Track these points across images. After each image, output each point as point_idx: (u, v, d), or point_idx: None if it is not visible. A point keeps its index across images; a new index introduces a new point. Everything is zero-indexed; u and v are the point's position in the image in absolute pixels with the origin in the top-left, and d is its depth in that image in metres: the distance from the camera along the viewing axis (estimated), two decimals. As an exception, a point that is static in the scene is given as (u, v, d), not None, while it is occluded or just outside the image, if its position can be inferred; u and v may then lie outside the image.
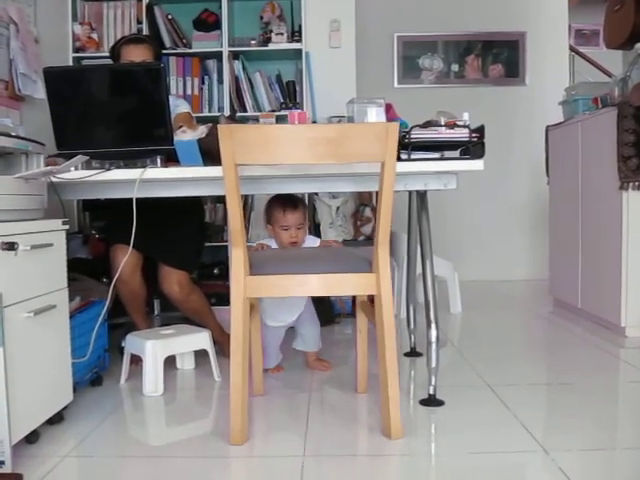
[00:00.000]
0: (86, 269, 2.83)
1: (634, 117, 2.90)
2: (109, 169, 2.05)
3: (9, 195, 1.73)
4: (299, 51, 3.85)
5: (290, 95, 3.91)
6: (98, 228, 3.46)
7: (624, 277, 2.99)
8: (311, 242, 2.46)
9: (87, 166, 2.08)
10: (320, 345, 2.61)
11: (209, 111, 3.86)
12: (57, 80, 2.16)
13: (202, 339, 2.50)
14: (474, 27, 5.04)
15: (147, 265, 2.67)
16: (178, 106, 2.77)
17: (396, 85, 5.10)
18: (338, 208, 3.71)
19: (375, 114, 2.12)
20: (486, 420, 1.99)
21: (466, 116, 2.12)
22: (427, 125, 2.10)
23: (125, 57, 2.63)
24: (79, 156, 1.96)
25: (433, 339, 2.11)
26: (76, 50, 3.76)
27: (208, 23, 3.87)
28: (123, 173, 2.05)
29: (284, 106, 3.86)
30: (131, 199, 2.05)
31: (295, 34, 3.88)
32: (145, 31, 3.78)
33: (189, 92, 3.87)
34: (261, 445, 1.85)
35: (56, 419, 1.95)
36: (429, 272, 2.16)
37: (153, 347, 2.34)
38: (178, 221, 2.69)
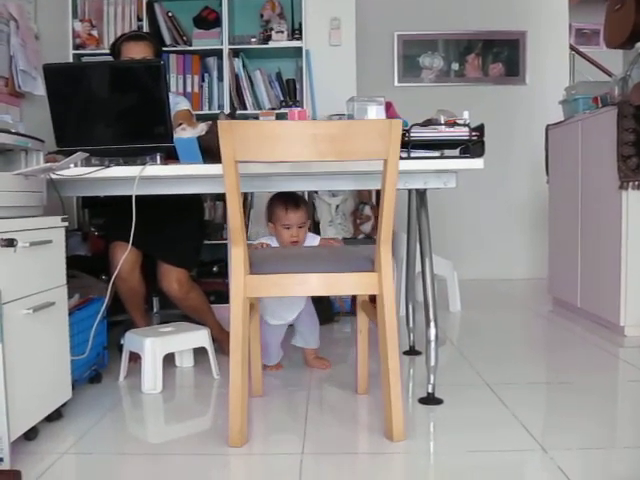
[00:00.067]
0: (85, 266, 2.83)
1: (634, 116, 2.89)
2: (109, 166, 2.05)
3: (8, 192, 1.73)
4: (299, 49, 3.85)
5: (290, 93, 3.90)
6: (97, 225, 3.46)
7: (623, 276, 2.99)
8: (311, 240, 2.45)
9: (87, 163, 2.07)
10: (319, 342, 2.61)
11: (209, 109, 3.86)
12: (57, 77, 2.16)
13: (201, 337, 2.50)
14: (474, 26, 5.04)
15: (146, 262, 2.67)
16: (178, 103, 2.77)
17: (396, 84, 5.10)
18: (338, 206, 3.71)
19: (375, 112, 2.12)
20: (485, 419, 2.00)
21: (466, 115, 2.11)
22: (427, 123, 2.10)
23: (125, 54, 2.63)
24: (79, 153, 1.96)
25: (432, 338, 2.11)
26: (76, 47, 3.76)
27: (208, 21, 3.87)
28: (123, 170, 2.04)
29: (284, 104, 3.85)
30: (130, 196, 2.05)
31: (295, 32, 3.88)
32: (145, 28, 3.78)
33: (189, 90, 3.86)
34: (260, 443, 1.85)
35: (55, 416, 1.95)
36: (428, 271, 2.15)
37: (152, 344, 2.34)
38: (177, 219, 2.69)
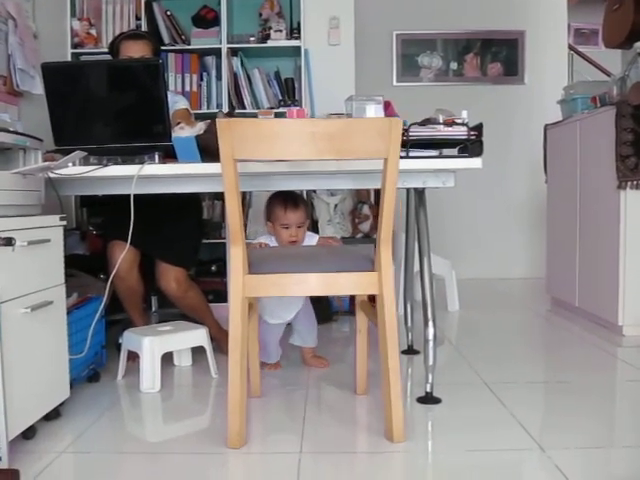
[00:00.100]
0: (83, 265, 2.82)
1: (632, 116, 2.90)
2: (107, 165, 2.04)
3: (6, 190, 1.73)
4: (298, 48, 3.85)
5: (289, 92, 3.90)
6: (96, 224, 3.46)
7: (621, 276, 2.99)
8: (309, 239, 2.44)
9: (85, 162, 2.07)
10: (316, 341, 2.61)
11: (207, 108, 3.85)
12: (55, 76, 2.16)
13: (199, 336, 2.50)
14: (473, 25, 5.04)
15: (145, 261, 2.67)
16: (176, 102, 2.76)
17: (395, 83, 5.10)
18: (336, 205, 3.71)
19: (374, 111, 2.12)
20: (483, 418, 2.00)
21: (465, 114, 2.11)
22: (426, 123, 2.10)
23: (124, 53, 2.63)
24: (77, 152, 1.96)
25: (430, 337, 2.11)
26: (74, 46, 3.75)
27: (207, 20, 3.87)
28: (121, 169, 2.04)
29: (283, 103, 3.85)
30: (129, 195, 2.04)
31: (294, 31, 3.87)
32: (144, 27, 3.77)
33: (187, 89, 3.86)
34: (258, 442, 1.84)
35: (53, 415, 1.95)
36: (427, 270, 2.15)
37: (150, 344, 2.34)
38: (176, 218, 2.69)
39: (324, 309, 3.37)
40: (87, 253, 3.36)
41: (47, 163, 1.93)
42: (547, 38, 5.05)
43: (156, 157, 2.10)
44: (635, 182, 2.91)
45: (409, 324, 2.80)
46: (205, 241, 3.26)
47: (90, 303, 2.35)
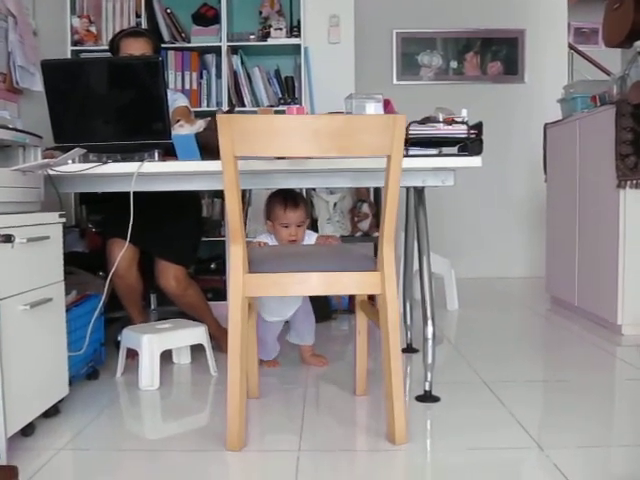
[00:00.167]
0: (83, 263, 2.82)
1: (632, 115, 2.90)
2: (106, 162, 2.04)
3: (6, 187, 1.73)
4: (298, 46, 3.84)
5: (289, 90, 3.90)
6: (95, 222, 3.46)
7: (621, 275, 2.99)
8: (307, 237, 2.43)
9: (84, 159, 2.07)
10: (314, 339, 2.60)
11: (207, 106, 3.85)
12: (55, 73, 2.16)
13: (199, 334, 2.49)
14: (473, 24, 5.04)
15: (144, 259, 2.67)
16: (176, 100, 2.76)
17: (395, 81, 5.09)
18: (335, 204, 3.70)
19: (373, 109, 2.12)
20: (482, 417, 2.00)
21: (464, 113, 2.11)
22: (425, 121, 2.10)
23: (124, 50, 2.62)
24: (76, 149, 1.96)
25: (429, 336, 2.11)
26: (74, 43, 3.74)
27: (207, 17, 3.87)
28: (120, 167, 2.04)
29: (282, 101, 3.86)
30: (128, 193, 2.04)
31: (294, 29, 3.87)
32: (144, 25, 3.77)
33: (187, 86, 3.86)
34: (257, 441, 1.84)
35: (52, 412, 1.95)
36: (426, 269, 2.15)
37: (149, 341, 2.34)
38: (175, 216, 2.68)
39: (323, 307, 3.37)
40: (86, 250, 3.35)
41: (47, 160, 1.93)
42: (547, 37, 5.04)
43: (156, 155, 2.10)
44: (635, 181, 2.91)
45: (408, 322, 2.80)
46: (204, 239, 3.26)
47: (89, 300, 2.35)
